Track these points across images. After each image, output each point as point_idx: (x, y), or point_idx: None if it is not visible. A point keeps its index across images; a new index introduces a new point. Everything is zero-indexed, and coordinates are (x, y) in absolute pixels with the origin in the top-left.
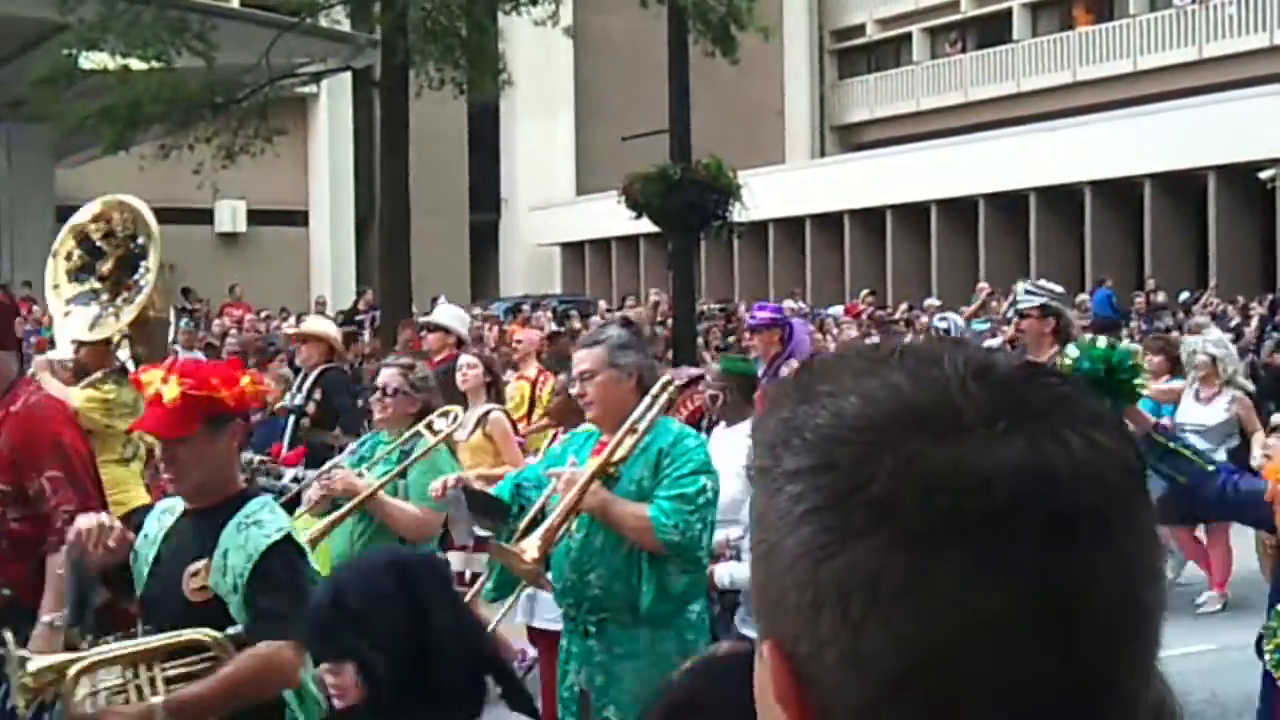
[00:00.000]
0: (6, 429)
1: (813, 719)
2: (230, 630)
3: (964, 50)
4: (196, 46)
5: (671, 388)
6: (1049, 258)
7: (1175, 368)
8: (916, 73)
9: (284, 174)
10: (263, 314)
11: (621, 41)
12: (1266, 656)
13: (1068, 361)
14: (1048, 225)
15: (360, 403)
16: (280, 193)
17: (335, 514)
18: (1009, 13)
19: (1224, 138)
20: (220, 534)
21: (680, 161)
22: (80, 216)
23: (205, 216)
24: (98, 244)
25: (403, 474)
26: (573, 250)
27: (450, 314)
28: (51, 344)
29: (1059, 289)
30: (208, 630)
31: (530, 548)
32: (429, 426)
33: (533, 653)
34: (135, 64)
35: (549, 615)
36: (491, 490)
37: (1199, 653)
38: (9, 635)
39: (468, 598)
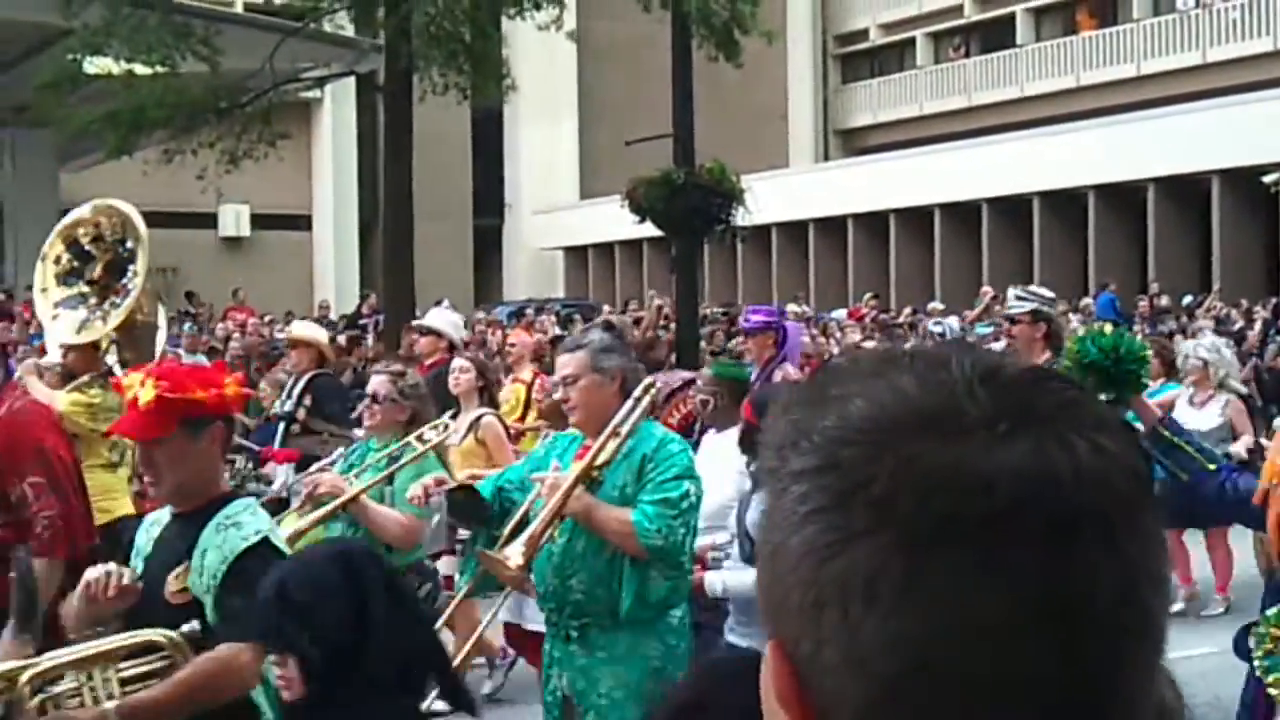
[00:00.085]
0: None
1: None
2: (184, 628)
3: (967, 55)
4: (201, 51)
5: (653, 391)
6: (1052, 262)
7: (1171, 372)
8: (920, 77)
9: (288, 178)
10: (266, 318)
11: (625, 46)
12: (1255, 662)
13: (1074, 348)
14: (1051, 229)
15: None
16: (284, 197)
17: (316, 513)
18: (1012, 17)
19: (1228, 142)
20: (201, 535)
21: (684, 166)
22: (69, 220)
23: (209, 221)
24: (86, 248)
25: (390, 480)
26: (576, 254)
27: (442, 318)
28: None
29: (1049, 294)
30: (161, 630)
31: (515, 554)
32: (420, 438)
33: (514, 652)
34: (139, 69)
35: (539, 617)
36: (474, 492)
37: (1201, 655)
38: None
39: (456, 601)
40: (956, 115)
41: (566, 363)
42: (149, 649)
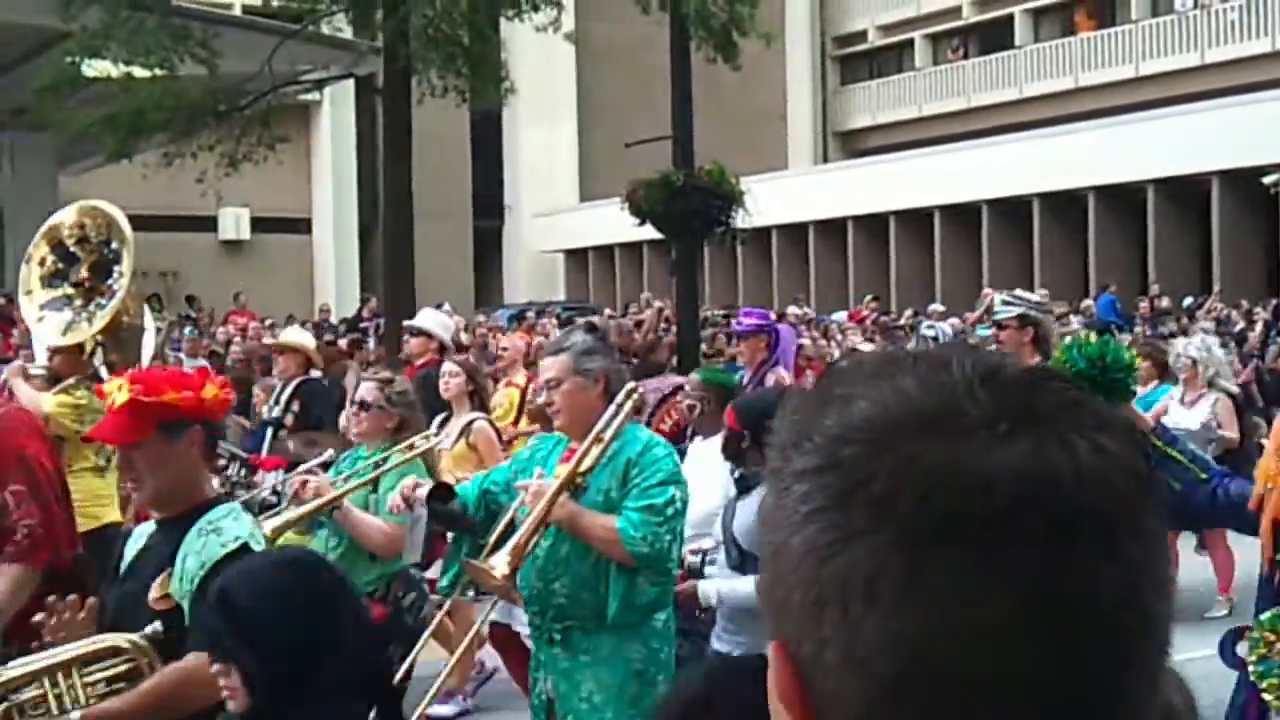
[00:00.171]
0: None
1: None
2: (147, 630)
3: (966, 56)
4: (199, 54)
5: (636, 394)
6: (1052, 263)
7: (1164, 374)
8: (919, 79)
9: (287, 181)
10: (267, 321)
11: (624, 48)
12: (1250, 667)
13: (1061, 357)
14: (1051, 231)
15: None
16: (284, 200)
17: (298, 510)
18: (1011, 18)
19: (1227, 143)
20: (183, 540)
21: (683, 168)
22: (54, 222)
23: (209, 224)
24: (71, 250)
25: (375, 487)
26: (576, 257)
27: (432, 319)
28: None
29: (1036, 298)
30: (123, 634)
31: (500, 564)
32: (410, 447)
33: (491, 665)
34: (138, 72)
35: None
36: (454, 503)
37: (1204, 658)
38: None
39: (446, 606)
40: (955, 117)
41: (549, 366)
42: (114, 653)
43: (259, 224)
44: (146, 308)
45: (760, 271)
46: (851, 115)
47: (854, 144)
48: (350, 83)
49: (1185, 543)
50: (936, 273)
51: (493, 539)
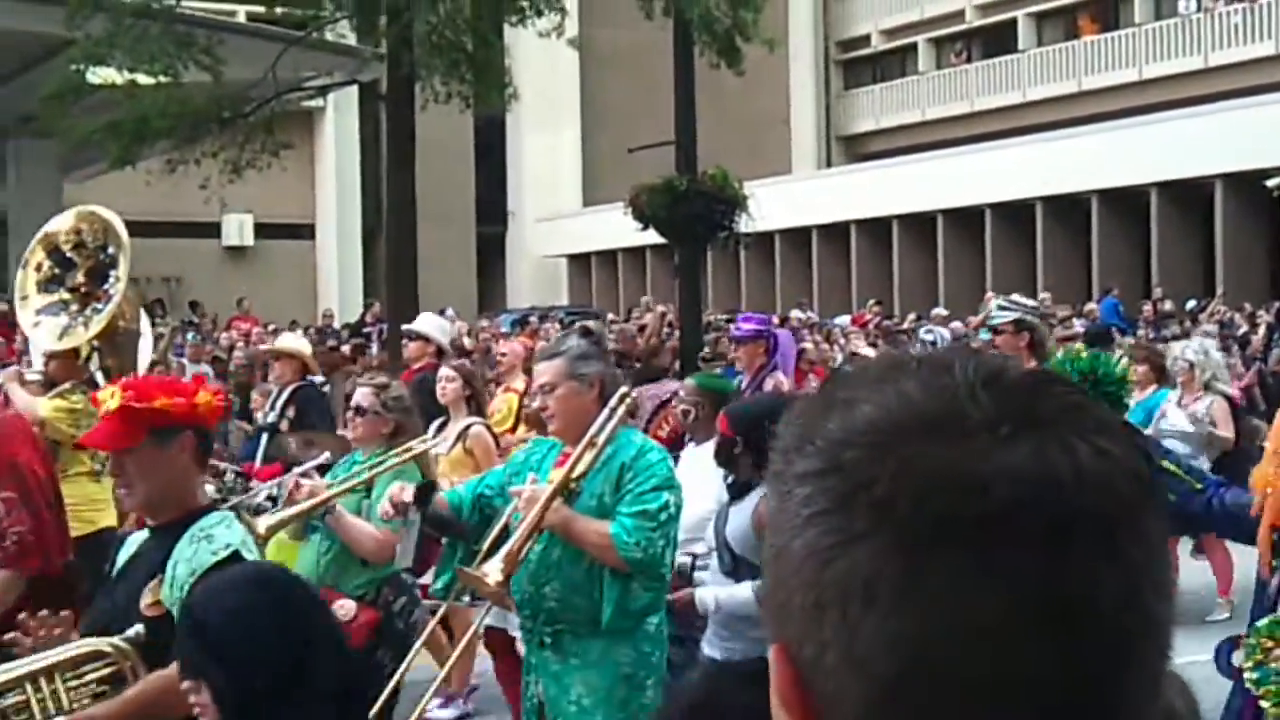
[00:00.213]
0: None
1: None
2: (129, 632)
3: (969, 60)
4: (203, 61)
5: (629, 399)
6: (1056, 267)
7: (1162, 378)
8: (922, 83)
9: (291, 187)
10: (270, 327)
11: (627, 54)
12: (1245, 675)
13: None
14: (1054, 234)
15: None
16: (287, 206)
17: (291, 510)
18: (1014, 22)
19: (1230, 146)
20: (175, 547)
21: (686, 173)
22: (50, 228)
23: (212, 230)
24: (68, 255)
25: (368, 491)
26: (579, 262)
27: (430, 323)
28: None
29: (1032, 303)
30: (106, 639)
31: (493, 571)
32: (406, 450)
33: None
34: (142, 79)
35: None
36: (436, 501)
37: (1206, 661)
38: None
39: (440, 612)
40: (959, 120)
41: (543, 370)
42: (96, 657)
43: (262, 230)
44: (143, 312)
45: (763, 276)
46: (855, 119)
47: (857, 148)
48: (354, 89)
49: (1183, 547)
50: (940, 276)
51: (486, 544)
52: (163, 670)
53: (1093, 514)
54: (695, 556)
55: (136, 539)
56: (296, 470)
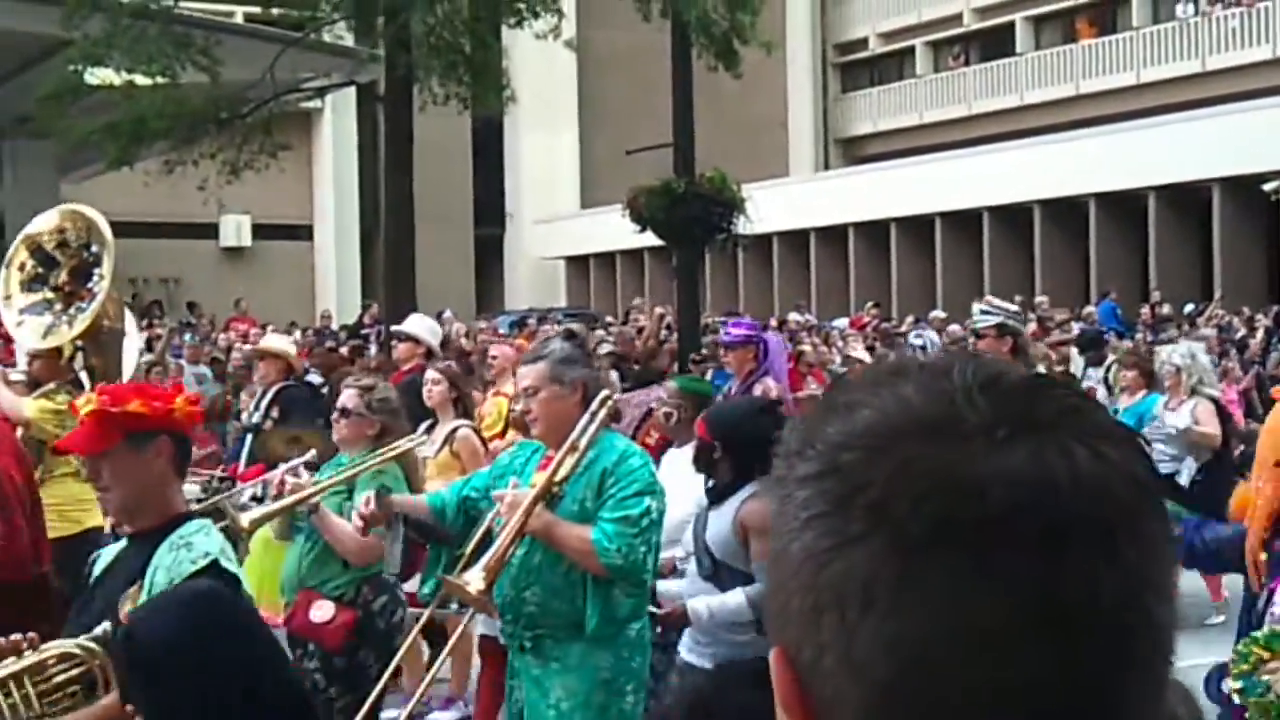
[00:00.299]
0: None
1: None
2: (96, 630)
3: (967, 63)
4: (201, 62)
5: (611, 402)
6: (1054, 270)
7: (1151, 382)
8: (920, 86)
9: (289, 188)
10: (269, 328)
11: (625, 55)
12: (1230, 683)
13: None
14: (1052, 238)
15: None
16: (285, 207)
17: (274, 505)
18: (1012, 26)
19: (1228, 150)
20: (154, 554)
21: (684, 175)
22: (34, 227)
23: (210, 231)
24: (51, 253)
25: (350, 493)
26: (577, 264)
27: (420, 324)
28: None
29: (1014, 307)
30: (73, 640)
31: (475, 579)
32: (390, 450)
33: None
34: (140, 79)
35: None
36: (425, 513)
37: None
38: None
39: (423, 619)
40: (956, 124)
41: (526, 374)
42: (64, 659)
43: (260, 231)
44: (127, 311)
45: (761, 278)
46: (853, 122)
47: (855, 151)
48: (352, 90)
49: None
50: (938, 279)
51: (469, 549)
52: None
53: (1090, 517)
54: (674, 560)
55: (114, 548)
56: (282, 467)
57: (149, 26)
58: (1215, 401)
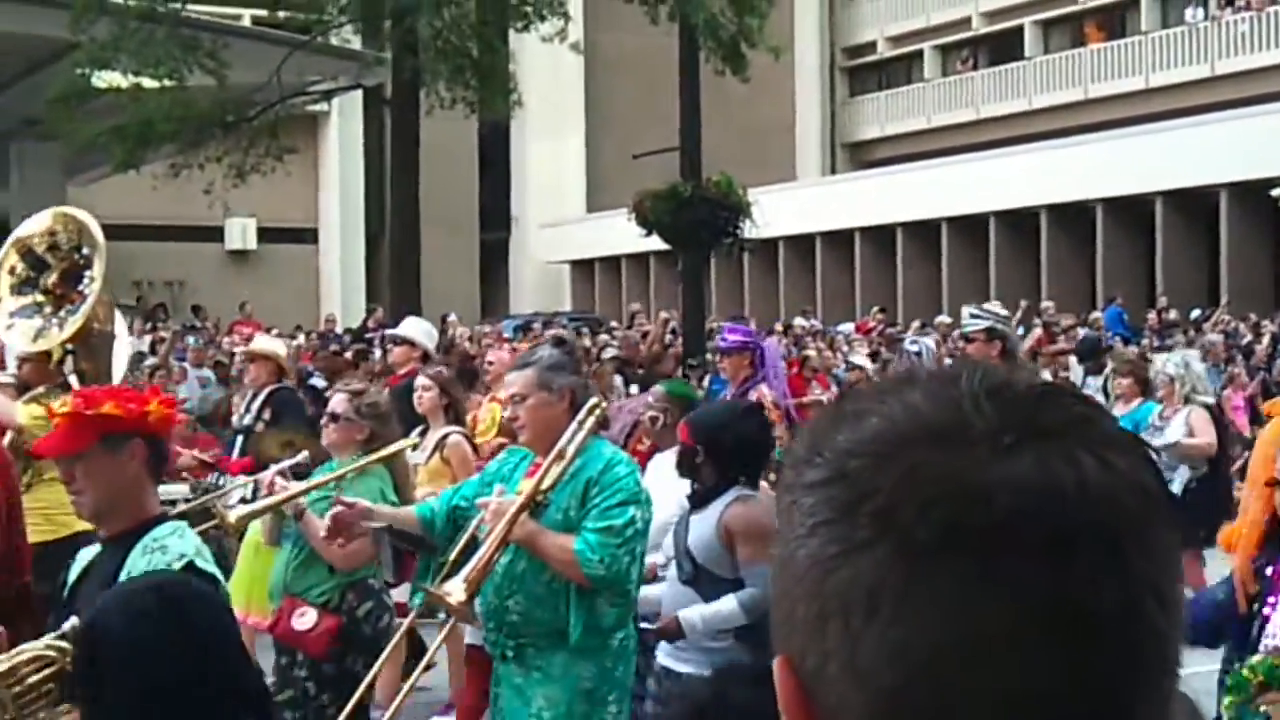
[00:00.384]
0: None
1: None
2: (65, 626)
3: (975, 67)
4: (208, 65)
5: (599, 411)
6: (1060, 275)
7: (1147, 391)
8: (927, 90)
9: (294, 191)
10: (273, 331)
11: (632, 59)
12: (1225, 712)
13: None
14: (1059, 242)
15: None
16: (291, 210)
17: (260, 504)
18: (1020, 30)
19: (1236, 155)
20: (129, 557)
21: (691, 179)
22: (24, 230)
23: (215, 234)
24: (42, 256)
25: (339, 489)
26: (583, 268)
27: (416, 327)
28: None
29: (1004, 312)
30: (43, 641)
31: (456, 590)
32: (377, 451)
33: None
34: (147, 82)
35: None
36: (414, 524)
37: (1208, 673)
38: None
39: (403, 629)
40: (964, 128)
41: (514, 381)
42: (35, 660)
43: (265, 234)
44: (118, 314)
45: (767, 283)
46: (860, 126)
47: (862, 155)
48: (358, 93)
49: None
50: (944, 284)
51: (452, 557)
52: None
53: (1096, 525)
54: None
55: (87, 553)
56: (273, 468)
57: (156, 29)
58: (1210, 409)
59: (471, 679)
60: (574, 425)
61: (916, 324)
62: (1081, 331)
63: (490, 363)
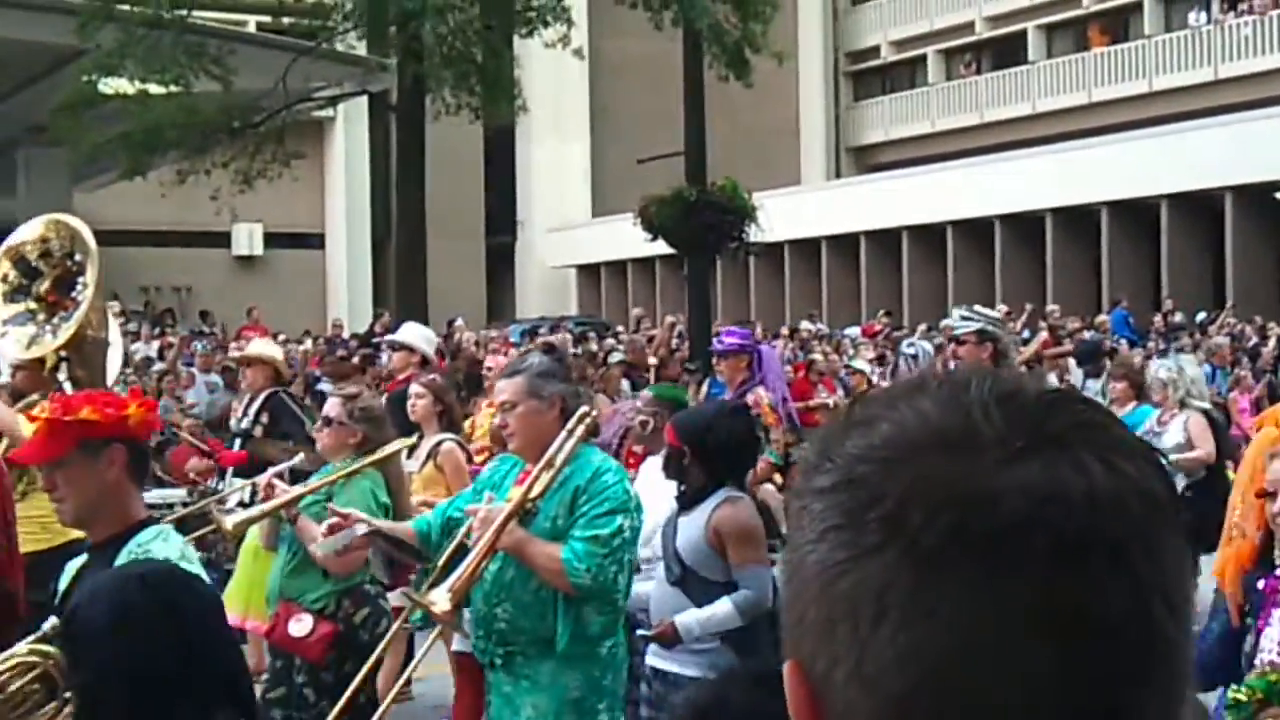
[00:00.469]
0: None
1: None
2: (44, 629)
3: (979, 71)
4: (214, 71)
5: (590, 419)
6: (1065, 278)
7: (1141, 394)
8: (931, 94)
9: (301, 197)
10: (280, 337)
11: (637, 64)
12: None
13: None
14: (1064, 246)
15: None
16: (297, 216)
17: (257, 509)
18: (1024, 34)
19: (1240, 158)
20: (114, 563)
21: (696, 184)
22: (17, 238)
23: (222, 239)
24: (34, 264)
25: (329, 500)
26: (589, 272)
27: (415, 332)
28: None
29: (994, 313)
30: (25, 645)
31: (440, 599)
32: (370, 454)
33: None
34: (153, 89)
35: None
36: (412, 538)
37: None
38: None
39: (391, 633)
40: (968, 132)
41: (504, 388)
42: (20, 665)
43: (272, 239)
44: (111, 320)
45: (772, 287)
46: (864, 130)
47: (867, 159)
48: (364, 99)
49: None
50: (949, 288)
51: (440, 564)
52: None
53: (1103, 531)
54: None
55: (75, 562)
56: (270, 471)
57: (163, 36)
58: (1208, 414)
59: (462, 686)
60: (564, 433)
61: (923, 327)
62: (1088, 334)
63: (489, 368)
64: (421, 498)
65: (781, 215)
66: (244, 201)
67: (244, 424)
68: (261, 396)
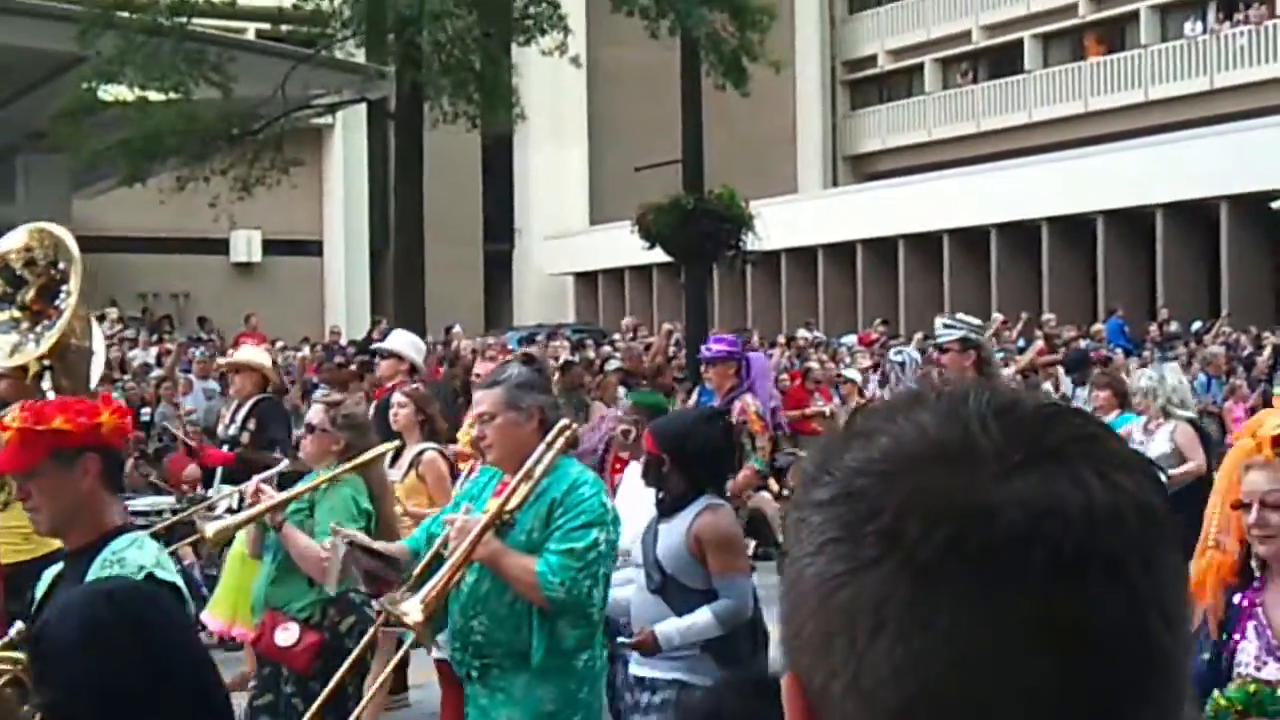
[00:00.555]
0: None
1: None
2: (10, 635)
3: (975, 81)
4: (213, 78)
5: (569, 432)
6: (1061, 287)
7: (1125, 404)
8: (928, 103)
9: (299, 204)
10: (278, 343)
11: (635, 73)
12: None
13: None
14: (1060, 254)
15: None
16: (295, 223)
17: (240, 516)
18: (1020, 43)
19: (1236, 168)
20: (89, 571)
21: (693, 192)
22: (1, 247)
23: (221, 246)
24: (19, 273)
25: (311, 510)
26: (586, 280)
27: (403, 340)
28: None
29: (977, 321)
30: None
31: (413, 610)
32: (350, 461)
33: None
34: (153, 96)
35: None
36: (405, 556)
37: None
38: None
39: (368, 636)
40: (965, 141)
41: (482, 399)
42: None
43: (271, 246)
44: (95, 327)
45: (769, 295)
46: (861, 139)
47: (863, 168)
48: (362, 106)
49: None
50: (945, 296)
51: (415, 573)
52: None
53: (1100, 545)
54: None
55: (51, 572)
56: (257, 477)
57: (162, 43)
58: (1194, 423)
59: (446, 692)
60: (543, 445)
61: (918, 336)
62: (1083, 344)
63: (477, 374)
64: (404, 507)
65: (778, 223)
66: (243, 208)
67: (232, 430)
68: (250, 403)
